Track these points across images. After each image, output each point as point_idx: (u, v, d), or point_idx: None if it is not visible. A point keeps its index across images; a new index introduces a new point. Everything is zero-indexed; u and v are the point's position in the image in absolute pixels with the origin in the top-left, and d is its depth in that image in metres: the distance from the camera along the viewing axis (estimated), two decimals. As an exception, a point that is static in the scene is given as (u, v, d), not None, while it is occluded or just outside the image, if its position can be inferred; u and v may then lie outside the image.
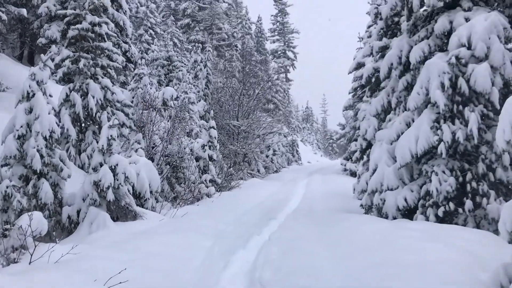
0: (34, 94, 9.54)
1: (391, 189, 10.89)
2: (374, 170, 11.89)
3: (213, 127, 18.03)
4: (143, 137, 15.02)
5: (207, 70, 27.73)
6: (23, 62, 24.73)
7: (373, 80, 17.85)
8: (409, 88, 11.98)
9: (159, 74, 27.17)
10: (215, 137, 17.95)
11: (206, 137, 18.02)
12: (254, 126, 25.19)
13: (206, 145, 17.78)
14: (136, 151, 12.05)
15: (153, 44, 40.33)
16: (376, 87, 17.53)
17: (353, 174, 28.65)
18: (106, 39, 14.65)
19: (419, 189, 10.42)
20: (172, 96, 17.12)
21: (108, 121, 14.23)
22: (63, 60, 13.91)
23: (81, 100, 13.57)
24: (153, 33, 41.90)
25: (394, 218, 10.53)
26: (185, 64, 33.47)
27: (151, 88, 17.46)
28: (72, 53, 14.16)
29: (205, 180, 16.92)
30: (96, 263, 5.59)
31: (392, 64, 12.35)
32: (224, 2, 47.04)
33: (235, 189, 18.83)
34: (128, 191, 10.67)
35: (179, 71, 26.93)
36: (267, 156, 30.79)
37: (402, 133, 11.18)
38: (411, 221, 9.52)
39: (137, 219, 9.88)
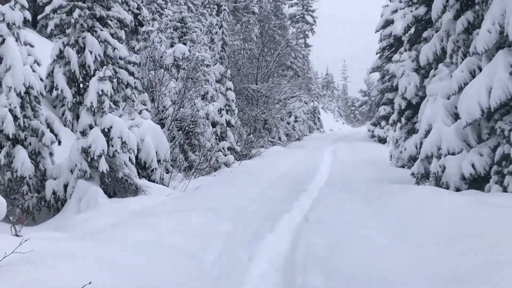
0: (3, 40, 7.43)
1: (453, 153, 8.59)
2: (427, 132, 9.59)
3: (230, 89, 15.81)
4: (152, 100, 12.93)
5: (223, 31, 25.30)
6: (27, 25, 22.58)
7: (412, 30, 15.29)
8: (470, 29, 9.50)
9: (172, 37, 24.84)
10: (232, 100, 15.76)
11: (223, 100, 15.84)
12: (274, 90, 22.83)
13: (223, 109, 15.62)
14: (140, 113, 9.95)
15: (166, 8, 37.85)
16: (417, 38, 14.99)
17: (381, 140, 26.27)
18: (104, -16, 12.40)
19: (491, 153, 8.10)
20: (184, 54, 14.87)
21: (110, 81, 12.17)
22: (54, 11, 11.75)
23: (77, 56, 11.46)
24: (166, -4, 39.31)
25: (458, 189, 8.29)
26: (200, 29, 31.07)
27: (160, 46, 15.23)
28: (65, 2, 11.98)
29: (223, 148, 14.82)
30: (55, 267, 3.53)
31: (447, 1, 9.84)
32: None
33: (256, 158, 16.72)
34: (130, 160, 8.63)
35: (193, 32, 24.57)
36: (288, 123, 28.50)
37: (465, 84, 8.81)
38: (488, 193, 7.25)
39: (139, 194, 7.85)
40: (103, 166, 7.40)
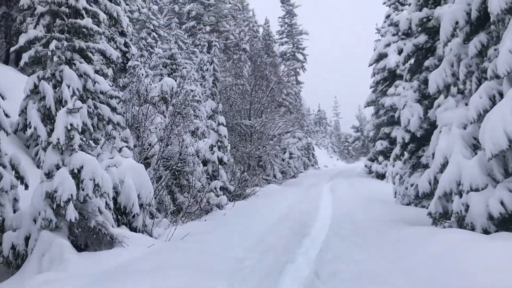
0: (-44, 68, 6.32)
1: (476, 190, 7.48)
2: (443, 166, 8.51)
3: (222, 124, 14.76)
4: (138, 137, 11.81)
5: (214, 67, 24.54)
6: (10, 64, 21.60)
7: (412, 60, 14.48)
8: (483, 52, 8.63)
9: (161, 73, 24.00)
10: (225, 136, 14.67)
11: (214, 136, 14.75)
12: (268, 125, 21.86)
13: (214, 146, 14.50)
14: (120, 150, 8.80)
15: (156, 47, 37.36)
16: (417, 68, 14.17)
17: (379, 176, 25.20)
18: (84, 15, 11.50)
19: (523, 188, 7.02)
20: (173, 88, 13.88)
21: (90, 117, 11.09)
22: (30, 43, 10.77)
23: (53, 91, 10.41)
24: (156, 36, 38.96)
25: (485, 230, 7.13)
26: (191, 66, 30.41)
27: (146, 79, 14.26)
28: (42, 33, 11.01)
29: (215, 188, 13.63)
30: None
31: (457, 23, 8.99)
32: (229, 3, 43.91)
33: (250, 198, 15.50)
34: (107, 205, 7.44)
35: (183, 68, 23.78)
36: (283, 160, 27.39)
37: (485, 112, 7.81)
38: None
39: (115, 246, 6.59)
40: (72, 214, 6.18)
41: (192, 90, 16.64)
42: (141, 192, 8.45)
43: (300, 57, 57.70)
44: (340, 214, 11.31)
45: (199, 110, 19.78)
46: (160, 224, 9.16)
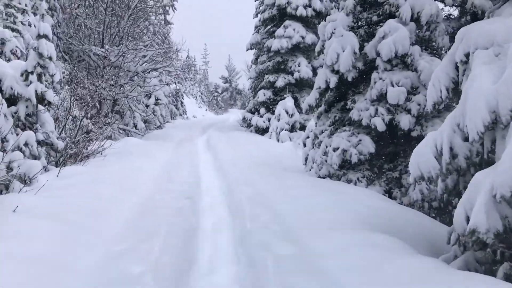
0: None
1: None
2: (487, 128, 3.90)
3: (46, 37, 8.47)
4: None
5: (54, -29, 17.02)
6: None
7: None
8: None
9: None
10: (50, 58, 8.45)
11: (33, 58, 8.42)
12: (129, 57, 15.62)
13: (31, 73, 8.22)
14: None
15: None
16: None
17: (259, 130, 20.86)
18: None
19: None
20: None
21: None
22: None
23: None
24: None
25: None
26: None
27: None
28: None
29: (26, 144, 7.56)
30: None
31: None
32: None
33: (94, 160, 9.65)
34: None
35: (5, -35, 15.92)
36: (147, 106, 21.35)
37: None
38: None
39: None
40: None
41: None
42: None
43: (171, -6, 50.11)
44: (246, 199, 6.34)
45: (22, 23, 12.80)
46: None
